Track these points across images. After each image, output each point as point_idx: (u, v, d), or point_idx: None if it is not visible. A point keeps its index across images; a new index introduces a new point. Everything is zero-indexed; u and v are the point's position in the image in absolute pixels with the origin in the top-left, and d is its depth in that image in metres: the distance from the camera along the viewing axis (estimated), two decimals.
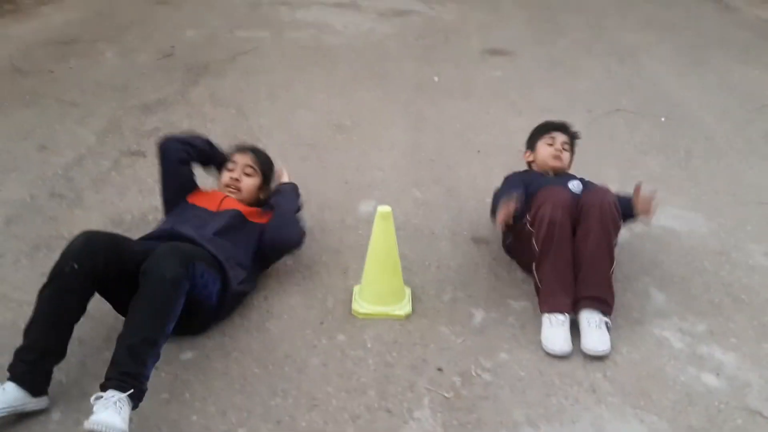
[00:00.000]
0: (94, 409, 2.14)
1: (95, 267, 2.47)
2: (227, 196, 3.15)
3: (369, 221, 3.44)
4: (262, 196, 3.27)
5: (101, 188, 3.86)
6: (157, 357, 2.34)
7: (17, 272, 3.15)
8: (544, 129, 3.49)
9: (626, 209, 3.02)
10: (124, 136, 4.50)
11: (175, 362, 2.64)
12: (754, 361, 2.77)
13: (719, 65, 6.38)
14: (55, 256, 3.17)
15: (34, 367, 2.35)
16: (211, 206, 3.06)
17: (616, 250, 3.06)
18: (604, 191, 2.99)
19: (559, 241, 2.85)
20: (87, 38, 6.47)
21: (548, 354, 2.75)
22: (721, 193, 4.08)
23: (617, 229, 2.94)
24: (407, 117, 5.01)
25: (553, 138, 3.40)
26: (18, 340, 2.49)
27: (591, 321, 2.78)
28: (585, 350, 2.73)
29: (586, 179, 3.29)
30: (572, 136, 3.48)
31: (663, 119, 5.09)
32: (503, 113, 5.01)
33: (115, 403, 2.14)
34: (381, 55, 6.35)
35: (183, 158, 3.16)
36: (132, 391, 2.19)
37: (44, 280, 3.03)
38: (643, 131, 4.89)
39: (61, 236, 3.40)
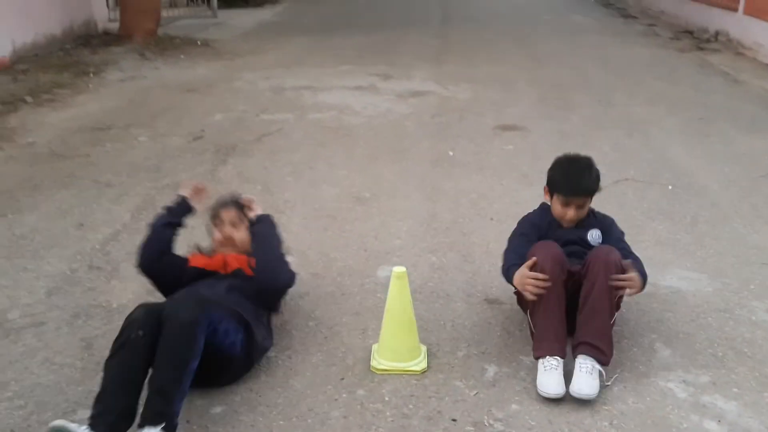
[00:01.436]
0: None
1: (156, 334, 2.65)
2: (226, 254, 3.33)
3: (387, 285, 3.62)
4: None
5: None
6: (183, 394, 2.58)
7: (59, 338, 3.32)
8: (564, 188, 3.31)
9: None
10: (156, 210, 4.74)
11: (206, 416, 2.80)
12: (755, 409, 2.87)
13: (725, 136, 6.57)
14: (94, 323, 3.44)
15: (114, 429, 2.49)
16: (220, 269, 3.28)
17: (623, 308, 3.24)
18: (610, 248, 3.14)
19: (550, 292, 3.01)
20: (121, 124, 6.80)
21: (543, 397, 2.89)
22: (726, 255, 4.20)
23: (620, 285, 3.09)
24: (424, 189, 5.21)
25: (565, 206, 3.31)
26: (59, 402, 2.70)
27: (583, 366, 2.92)
28: (572, 393, 2.87)
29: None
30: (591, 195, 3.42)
31: (670, 187, 5.25)
32: (515, 184, 5.21)
33: None
34: (398, 133, 6.61)
35: (159, 259, 3.26)
36: (164, 424, 2.43)
37: (84, 346, 3.27)
38: (651, 199, 5.05)
39: (99, 305, 3.61)
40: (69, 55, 9.94)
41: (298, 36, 12.32)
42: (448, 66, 9.75)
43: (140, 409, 2.56)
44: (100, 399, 2.56)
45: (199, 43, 11.23)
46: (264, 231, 3.36)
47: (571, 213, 3.30)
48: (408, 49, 10.96)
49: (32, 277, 3.90)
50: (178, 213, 3.41)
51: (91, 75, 8.88)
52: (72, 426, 2.43)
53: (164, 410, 2.49)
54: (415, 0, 17.96)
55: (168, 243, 3.33)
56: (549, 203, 3.43)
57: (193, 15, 14.17)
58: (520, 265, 3.11)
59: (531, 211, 3.56)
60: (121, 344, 2.65)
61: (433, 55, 10.53)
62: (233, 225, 3.38)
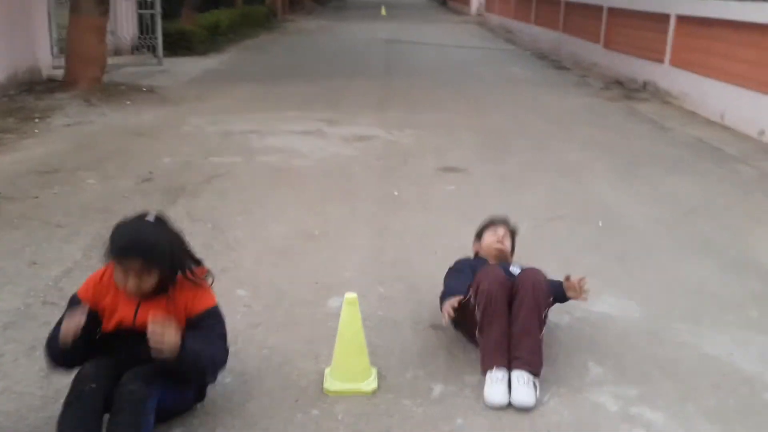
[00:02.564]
0: None
1: (108, 387, 2.71)
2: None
3: (337, 315, 3.79)
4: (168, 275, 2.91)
5: None
6: None
7: (17, 369, 3.37)
8: (489, 222, 4.10)
9: (559, 292, 3.47)
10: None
11: None
12: (678, 418, 3.11)
13: (652, 178, 6.94)
14: None
15: None
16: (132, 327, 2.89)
17: (557, 332, 3.48)
18: (536, 270, 3.46)
19: (495, 311, 3.29)
20: (69, 167, 6.81)
21: (489, 407, 3.11)
22: (652, 284, 4.48)
23: (547, 301, 3.38)
24: (371, 226, 5.40)
25: (495, 229, 3.99)
26: (21, 428, 2.79)
27: (521, 379, 3.17)
28: (514, 403, 3.11)
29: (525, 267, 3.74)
30: (512, 230, 4.04)
31: (600, 224, 5.54)
32: (456, 221, 5.39)
33: None
34: (346, 175, 6.79)
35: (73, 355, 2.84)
36: None
37: (42, 376, 3.34)
38: (582, 235, 5.33)
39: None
40: (13, 101, 9.93)
41: (244, 83, 12.46)
42: (391, 113, 9.98)
43: None
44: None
45: (144, 89, 11.30)
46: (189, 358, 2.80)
47: (500, 231, 3.97)
48: (352, 97, 11.18)
49: None
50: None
51: (37, 120, 8.88)
52: None
53: None
54: (358, 52, 18.35)
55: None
56: (478, 253, 4.04)
57: (139, 63, 14.25)
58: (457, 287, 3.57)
59: (463, 257, 4.05)
60: (74, 398, 2.67)
61: (376, 103, 10.77)
62: (139, 275, 2.79)
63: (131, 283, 2.78)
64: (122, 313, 2.89)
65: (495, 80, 13.65)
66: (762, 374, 3.49)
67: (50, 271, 4.50)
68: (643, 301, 4.26)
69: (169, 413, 2.92)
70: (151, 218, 2.90)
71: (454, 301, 3.44)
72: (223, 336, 2.99)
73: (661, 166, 7.41)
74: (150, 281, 2.81)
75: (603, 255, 4.96)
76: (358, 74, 14.02)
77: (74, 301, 2.94)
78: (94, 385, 2.68)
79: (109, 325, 2.91)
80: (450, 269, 3.91)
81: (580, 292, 3.46)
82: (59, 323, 2.84)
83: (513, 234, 4.05)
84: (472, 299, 3.37)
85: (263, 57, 16.99)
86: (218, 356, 2.96)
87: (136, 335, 2.77)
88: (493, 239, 3.94)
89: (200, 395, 3.12)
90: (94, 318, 2.87)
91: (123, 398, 2.67)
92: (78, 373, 2.77)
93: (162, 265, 2.81)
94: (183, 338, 2.71)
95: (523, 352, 3.25)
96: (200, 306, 2.93)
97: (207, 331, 2.91)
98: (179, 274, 2.90)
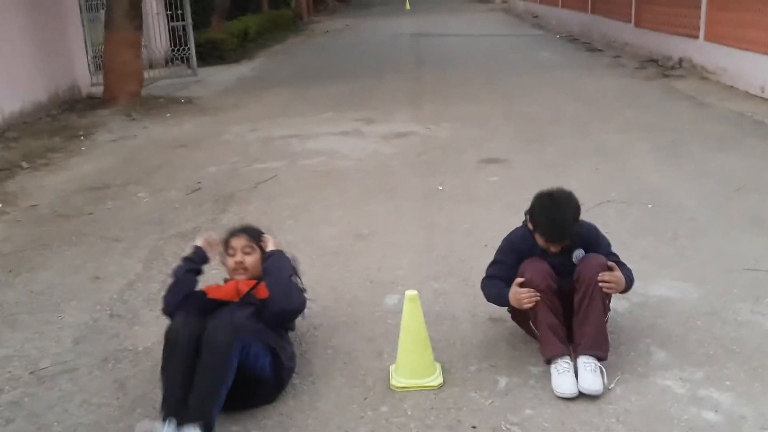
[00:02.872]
0: None
1: (196, 339, 2.98)
2: (239, 281, 3.49)
3: (395, 312, 3.88)
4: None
5: (154, 306, 4.14)
6: (220, 403, 2.90)
7: (92, 381, 3.48)
8: (547, 231, 3.39)
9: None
10: (167, 261, 4.85)
11: None
12: (747, 398, 3.10)
13: (697, 155, 6.89)
14: (123, 365, 3.64)
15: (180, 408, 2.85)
16: (234, 298, 3.44)
17: (617, 317, 3.49)
18: (599, 257, 3.40)
19: (545, 300, 3.27)
20: (118, 182, 6.97)
21: (559, 397, 3.12)
22: (708, 264, 4.45)
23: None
24: (418, 222, 5.43)
25: (548, 245, 3.41)
26: None
27: (587, 365, 3.18)
28: (581, 389, 3.12)
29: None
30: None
31: (650, 206, 5.52)
32: (503, 212, 5.40)
33: None
34: (388, 172, 6.84)
35: (182, 302, 3.42)
36: (202, 423, 2.78)
37: (117, 386, 3.45)
38: (633, 218, 5.32)
39: (125, 349, 3.77)
40: (57, 121, 10.15)
41: (278, 88, 12.58)
42: (426, 107, 10.02)
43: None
44: (165, 400, 2.90)
45: (182, 101, 11.48)
46: (274, 263, 3.50)
47: (554, 249, 3.40)
48: (386, 94, 11.25)
49: (56, 329, 4.05)
50: (197, 261, 3.62)
51: (82, 138, 9.08)
52: (156, 425, 2.83)
53: (203, 415, 2.81)
54: (387, 48, 18.40)
55: (190, 288, 3.52)
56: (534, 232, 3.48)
57: (174, 75, 14.45)
58: (507, 287, 3.38)
59: (515, 228, 3.65)
60: (168, 353, 2.99)
61: (411, 98, 10.81)
62: (244, 251, 3.53)
63: (238, 257, 3.51)
64: (226, 289, 3.50)
65: (526, 67, 13.60)
66: None
67: (113, 285, 4.62)
68: (700, 281, 4.24)
69: (246, 376, 3.04)
70: None
71: (524, 294, 3.26)
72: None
73: (703, 143, 7.34)
74: (251, 258, 3.53)
75: (655, 237, 4.94)
76: (388, 71, 14.06)
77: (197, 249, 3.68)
78: (185, 336, 2.98)
79: (215, 294, 3.48)
80: (493, 261, 3.63)
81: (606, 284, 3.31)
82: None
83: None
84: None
85: (293, 60, 17.10)
86: (298, 294, 3.48)
87: (236, 304, 3.39)
88: (547, 246, 3.46)
89: (278, 382, 3.24)
90: (202, 294, 3.51)
91: (210, 343, 2.95)
92: (169, 328, 3.09)
93: (261, 246, 3.61)
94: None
95: (588, 338, 3.26)
96: None
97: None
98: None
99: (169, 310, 3.44)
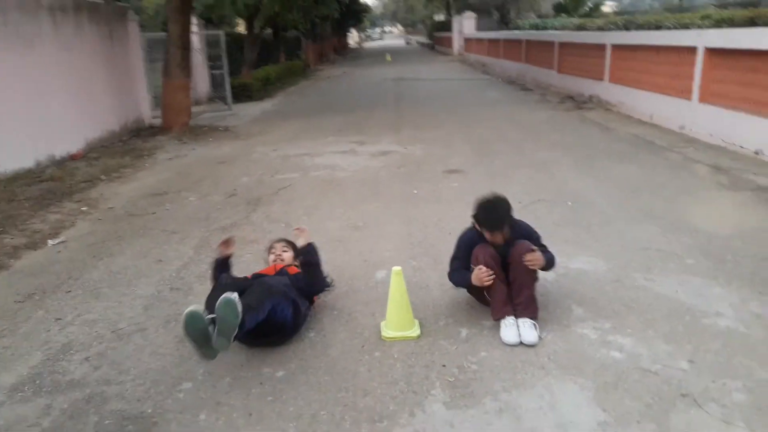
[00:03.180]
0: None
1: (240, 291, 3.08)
2: (277, 264, 3.69)
3: (384, 283, 3.90)
4: (295, 261, 3.75)
5: (204, 282, 4.19)
6: (258, 317, 3.01)
7: (158, 338, 3.49)
8: (487, 224, 3.40)
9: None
10: (212, 248, 4.79)
11: (273, 378, 3.01)
12: (642, 341, 3.16)
13: (605, 166, 6.95)
14: (181, 326, 3.57)
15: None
16: (271, 272, 3.59)
17: (547, 285, 3.53)
18: (526, 243, 3.38)
19: (496, 277, 3.29)
20: (174, 190, 6.94)
21: (507, 345, 3.17)
22: (613, 246, 4.51)
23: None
24: (400, 217, 5.44)
25: (492, 235, 3.39)
26: (167, 379, 2.97)
27: (525, 323, 3.23)
28: (522, 341, 3.17)
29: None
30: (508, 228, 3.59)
31: (570, 204, 5.57)
32: (462, 209, 5.31)
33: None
34: (376, 180, 6.84)
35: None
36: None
37: (178, 341, 3.44)
38: (558, 212, 5.36)
39: (182, 313, 3.74)
40: (127, 144, 10.08)
41: (292, 119, 12.55)
42: (404, 132, 10.01)
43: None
44: (208, 303, 3.04)
45: (221, 129, 11.42)
46: (309, 260, 3.63)
47: (498, 238, 3.39)
48: (374, 123, 11.22)
49: (130, 299, 4.05)
50: (223, 262, 3.65)
51: (146, 157, 9.02)
52: (203, 313, 2.87)
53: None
54: (374, 89, 18.38)
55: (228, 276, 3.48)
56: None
57: (214, 109, 14.37)
58: (468, 272, 3.39)
59: (465, 230, 3.61)
60: (218, 286, 3.22)
61: (392, 126, 10.80)
62: (282, 250, 3.76)
63: (278, 251, 3.72)
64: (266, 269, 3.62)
65: (478, 102, 13.63)
66: (699, 305, 3.53)
67: (172, 266, 4.60)
68: (608, 258, 4.29)
69: (274, 322, 3.13)
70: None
71: (484, 273, 3.25)
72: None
73: (610, 157, 7.41)
74: (287, 254, 3.71)
75: (574, 226, 4.99)
76: (376, 106, 14.05)
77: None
78: (230, 281, 3.25)
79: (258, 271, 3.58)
80: (452, 257, 3.60)
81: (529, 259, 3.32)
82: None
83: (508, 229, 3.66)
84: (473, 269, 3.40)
85: (304, 99, 17.06)
86: (324, 280, 3.65)
87: (272, 275, 3.51)
88: (492, 237, 3.47)
89: (295, 326, 3.34)
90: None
91: (253, 286, 3.16)
92: (217, 281, 3.35)
93: (293, 248, 3.79)
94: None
95: (523, 304, 3.29)
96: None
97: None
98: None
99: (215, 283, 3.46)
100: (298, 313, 3.31)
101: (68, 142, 8.95)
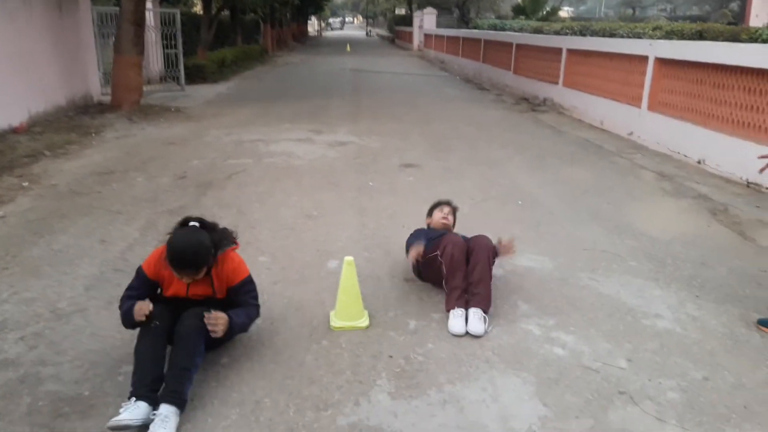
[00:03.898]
0: (152, 427, 2.41)
1: (170, 323, 2.75)
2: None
3: (335, 272, 3.87)
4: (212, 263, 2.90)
5: None
6: (191, 381, 2.62)
7: (100, 319, 3.38)
8: (437, 203, 4.20)
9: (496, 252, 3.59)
10: (159, 230, 4.74)
11: (217, 365, 2.95)
12: (585, 339, 3.25)
13: (555, 167, 7.09)
14: None
15: (151, 391, 2.55)
16: (182, 293, 2.92)
17: (494, 278, 3.59)
18: (486, 237, 3.54)
19: (456, 267, 3.40)
20: (121, 169, 6.72)
21: (453, 335, 3.21)
22: (560, 245, 4.61)
23: (494, 258, 3.50)
24: (354, 208, 5.42)
25: (441, 209, 4.09)
26: (107, 361, 2.87)
27: (476, 314, 3.28)
28: (469, 331, 3.22)
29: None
30: (454, 208, 4.13)
31: (520, 203, 5.66)
32: (416, 203, 5.41)
33: (165, 417, 2.45)
34: (332, 171, 6.78)
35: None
36: (177, 401, 2.52)
37: (119, 323, 3.32)
38: (508, 211, 5.44)
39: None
40: (73, 120, 9.69)
41: (248, 104, 12.32)
42: (361, 124, 9.97)
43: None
44: (136, 373, 2.59)
45: (173, 109, 11.11)
46: (236, 324, 2.90)
47: (445, 210, 4.05)
48: (332, 113, 11.12)
49: (71, 278, 3.91)
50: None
51: (93, 134, 8.70)
52: (123, 416, 2.41)
53: (178, 391, 2.54)
54: (332, 79, 18.26)
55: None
56: (429, 225, 4.11)
57: (166, 89, 13.96)
58: (421, 240, 3.67)
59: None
60: (144, 332, 2.71)
61: (349, 116, 10.73)
62: (193, 278, 2.85)
63: (185, 279, 2.82)
64: (176, 287, 2.91)
65: (435, 98, 13.70)
66: (640, 306, 3.66)
67: (116, 247, 4.47)
68: (554, 256, 4.39)
69: (217, 342, 2.91)
70: (195, 224, 2.87)
71: (420, 248, 3.56)
72: (256, 297, 3.03)
73: (560, 159, 7.57)
74: (200, 275, 2.83)
75: (523, 224, 5.07)
76: (333, 95, 13.95)
77: (140, 273, 2.93)
78: (159, 323, 2.72)
79: (167, 292, 2.93)
80: (410, 235, 4.00)
81: (509, 249, 3.57)
82: (129, 288, 2.92)
83: (455, 211, 4.15)
84: (439, 257, 3.46)
85: (260, 84, 16.79)
86: (254, 314, 3.02)
87: (188, 300, 2.89)
88: (440, 216, 4.04)
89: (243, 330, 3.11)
90: (154, 285, 2.93)
91: (182, 331, 2.69)
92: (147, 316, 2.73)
93: (208, 263, 2.82)
94: (230, 318, 2.79)
95: (479, 295, 3.35)
96: (238, 277, 2.95)
97: (245, 296, 2.95)
98: (218, 255, 2.89)
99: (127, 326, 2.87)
100: (235, 324, 2.86)
101: (10, 114, 8.54)
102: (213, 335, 2.73)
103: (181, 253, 2.73)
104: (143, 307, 2.70)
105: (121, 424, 2.40)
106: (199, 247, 2.76)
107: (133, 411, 2.46)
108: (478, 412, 2.64)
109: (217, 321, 2.72)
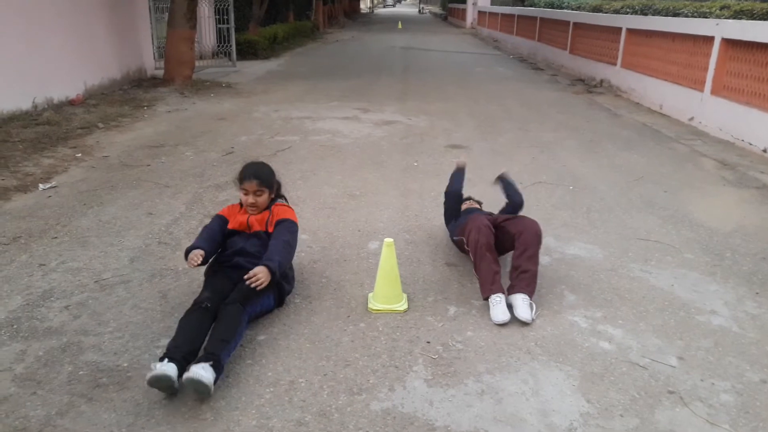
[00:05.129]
0: (192, 368, 2.46)
1: (216, 305, 2.83)
2: (250, 215, 3.26)
3: (375, 254, 3.83)
4: (273, 197, 3.33)
5: (192, 238, 4.04)
6: (231, 352, 2.68)
7: (142, 291, 3.43)
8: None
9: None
10: (204, 205, 4.81)
11: (254, 342, 2.94)
12: (633, 334, 3.10)
13: (609, 152, 6.83)
14: (166, 281, 3.55)
15: (184, 358, 2.56)
16: (246, 230, 3.24)
17: (540, 265, 3.47)
18: (535, 222, 3.44)
19: (483, 253, 3.32)
20: (171, 143, 6.85)
21: (495, 324, 3.10)
22: (611, 233, 4.43)
23: (541, 244, 3.38)
24: (398, 188, 5.35)
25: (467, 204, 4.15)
26: (147, 334, 2.88)
27: (524, 301, 3.18)
28: (518, 316, 3.13)
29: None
30: (478, 202, 4.24)
31: (571, 188, 5.48)
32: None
33: (203, 368, 2.48)
34: (377, 150, 6.72)
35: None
36: (212, 363, 2.52)
37: (161, 296, 3.37)
38: (558, 195, 5.27)
39: (169, 269, 3.71)
40: (127, 94, 9.92)
41: (297, 81, 12.35)
42: (409, 103, 9.86)
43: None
44: (175, 339, 2.65)
45: (224, 85, 11.24)
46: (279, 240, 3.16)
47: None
48: (379, 91, 11.05)
49: (117, 250, 3.99)
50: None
51: (146, 108, 8.88)
52: (160, 367, 2.46)
53: (215, 354, 2.57)
54: (382, 56, 18.11)
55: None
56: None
57: (218, 65, 14.15)
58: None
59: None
60: (193, 309, 2.80)
61: (397, 95, 10.63)
62: (255, 194, 3.22)
63: (251, 188, 3.22)
64: (240, 219, 3.29)
65: (486, 77, 13.41)
66: (695, 301, 3.46)
67: (162, 220, 4.53)
68: (604, 245, 4.22)
69: (255, 317, 3.04)
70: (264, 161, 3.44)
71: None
72: (294, 232, 3.25)
73: (615, 143, 7.28)
74: (262, 196, 3.24)
75: (574, 211, 4.90)
76: (382, 73, 13.83)
77: (215, 217, 3.38)
78: (208, 304, 2.82)
79: (232, 224, 3.30)
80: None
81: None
82: (204, 228, 3.32)
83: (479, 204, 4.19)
84: (465, 243, 3.41)
85: (310, 60, 16.79)
86: (292, 243, 3.22)
87: (247, 235, 3.26)
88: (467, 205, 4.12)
89: (280, 302, 3.23)
90: (224, 221, 3.33)
91: (225, 312, 2.81)
92: (197, 297, 2.91)
93: (271, 185, 3.30)
94: (266, 265, 2.98)
95: (525, 283, 3.25)
96: (285, 215, 3.27)
97: (284, 230, 3.19)
98: (276, 201, 3.35)
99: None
100: (282, 293, 3.22)
101: (67, 86, 8.78)
102: (260, 287, 2.92)
103: (254, 164, 3.35)
104: (195, 256, 3.01)
105: (162, 374, 2.42)
106: (268, 167, 3.36)
107: (167, 366, 2.48)
108: (517, 405, 2.54)
109: (256, 275, 2.93)
